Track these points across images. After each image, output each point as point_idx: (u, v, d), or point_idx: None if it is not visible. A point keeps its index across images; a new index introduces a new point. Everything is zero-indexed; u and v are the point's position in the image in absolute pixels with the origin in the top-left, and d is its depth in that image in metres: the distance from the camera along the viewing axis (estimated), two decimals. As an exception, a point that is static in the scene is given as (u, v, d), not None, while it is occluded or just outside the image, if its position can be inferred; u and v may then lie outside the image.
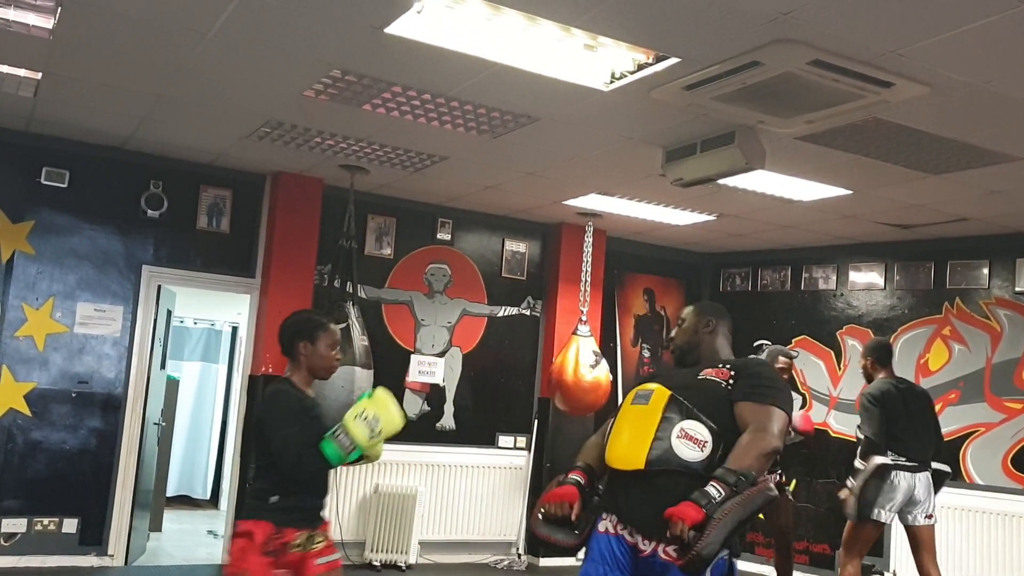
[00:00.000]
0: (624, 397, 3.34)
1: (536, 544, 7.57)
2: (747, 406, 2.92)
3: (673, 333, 3.35)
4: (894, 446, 5.29)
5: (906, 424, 5.35)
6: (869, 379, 5.66)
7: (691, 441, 2.84)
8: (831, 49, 3.62)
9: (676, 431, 2.85)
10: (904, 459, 5.27)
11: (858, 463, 5.37)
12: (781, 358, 6.00)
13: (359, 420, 3.26)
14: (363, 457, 3.39)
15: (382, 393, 3.37)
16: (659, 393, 2.95)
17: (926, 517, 5.30)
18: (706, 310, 3.33)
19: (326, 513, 3.49)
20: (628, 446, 2.93)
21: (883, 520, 5.27)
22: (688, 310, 3.36)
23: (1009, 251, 6.75)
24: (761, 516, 5.87)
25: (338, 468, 3.49)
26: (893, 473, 5.25)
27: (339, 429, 3.25)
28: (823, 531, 7.43)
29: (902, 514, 5.34)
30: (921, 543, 5.34)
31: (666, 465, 2.83)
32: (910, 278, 7.33)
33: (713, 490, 2.68)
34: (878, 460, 5.25)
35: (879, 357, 5.64)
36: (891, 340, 5.88)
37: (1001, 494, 6.52)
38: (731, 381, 3.00)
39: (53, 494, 6.11)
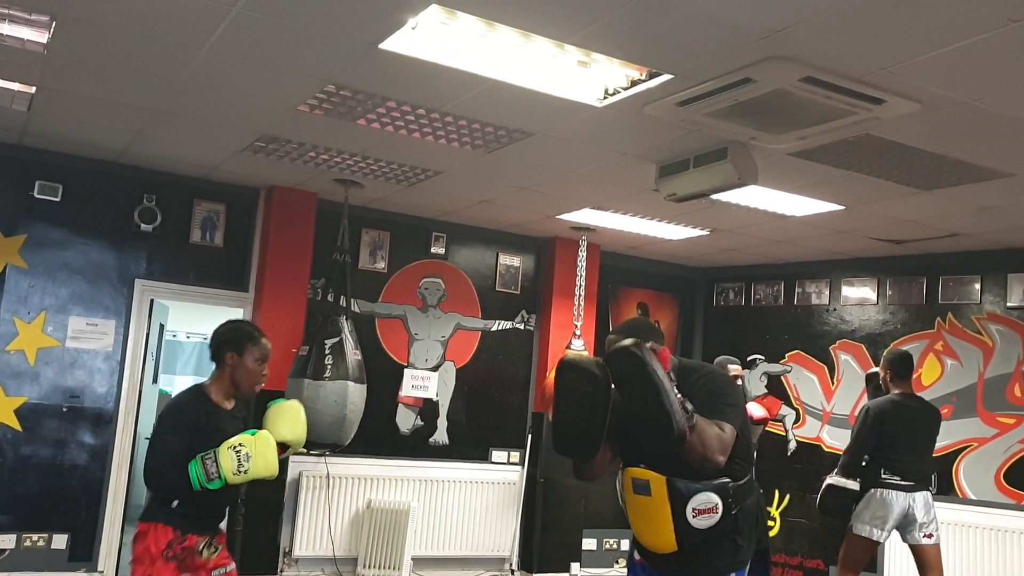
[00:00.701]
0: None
1: (530, 559, 7.55)
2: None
3: None
4: (889, 465, 5.26)
5: (907, 443, 5.29)
6: (887, 391, 5.52)
7: (705, 514, 2.97)
8: (823, 66, 3.64)
9: (690, 513, 2.96)
10: (899, 478, 5.24)
11: (838, 480, 5.41)
12: (731, 367, 6.02)
13: (231, 451, 3.24)
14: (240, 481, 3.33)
15: (266, 436, 3.35)
16: (656, 483, 2.99)
17: (925, 536, 5.22)
18: (637, 336, 3.08)
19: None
20: (655, 536, 3.05)
21: (875, 538, 5.25)
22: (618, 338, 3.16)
23: (1000, 266, 6.78)
24: None
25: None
26: (884, 492, 5.24)
27: (210, 454, 3.24)
28: (817, 546, 7.42)
29: (901, 533, 5.32)
30: (926, 563, 5.26)
31: (695, 539, 2.99)
32: (903, 293, 7.35)
33: (678, 394, 2.85)
34: (835, 479, 5.37)
35: (897, 370, 5.47)
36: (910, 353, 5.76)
37: (994, 509, 6.52)
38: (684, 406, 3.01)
39: (43, 510, 6.07)
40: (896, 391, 5.45)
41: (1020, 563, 6.31)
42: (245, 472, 3.23)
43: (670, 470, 2.96)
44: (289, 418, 3.50)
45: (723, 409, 3.01)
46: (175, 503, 3.29)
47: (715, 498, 2.96)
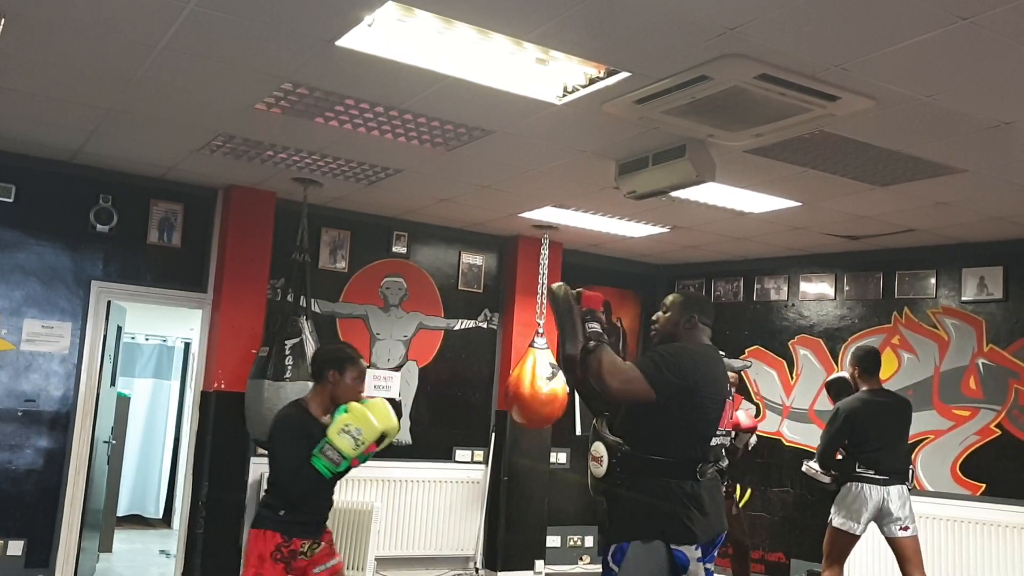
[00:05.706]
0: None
1: (494, 558, 7.56)
2: None
3: (656, 317, 3.58)
4: (863, 460, 5.35)
5: (879, 438, 5.37)
6: (856, 388, 5.62)
7: (595, 461, 3.31)
8: (777, 63, 3.68)
9: (590, 456, 3.36)
10: (872, 472, 5.31)
11: (811, 467, 5.60)
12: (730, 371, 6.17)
13: (342, 433, 3.54)
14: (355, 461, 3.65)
15: (358, 405, 3.67)
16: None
17: (901, 529, 5.28)
18: (690, 306, 3.47)
19: (329, 524, 3.88)
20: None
21: (851, 531, 5.32)
22: (674, 300, 3.53)
23: (955, 261, 6.90)
24: None
25: (337, 480, 3.77)
26: (859, 486, 5.31)
27: (325, 444, 3.55)
28: (778, 540, 7.50)
29: (879, 526, 5.39)
30: (904, 555, 5.31)
31: (595, 488, 3.37)
32: (860, 288, 7.45)
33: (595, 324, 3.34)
34: (807, 466, 5.61)
35: (865, 367, 5.56)
36: (878, 349, 5.87)
37: (950, 500, 6.63)
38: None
39: (-2, 515, 5.97)
40: (865, 387, 5.55)
41: (976, 553, 6.43)
42: (362, 443, 3.56)
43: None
44: (379, 411, 3.71)
45: (642, 359, 3.27)
46: (281, 512, 3.64)
47: (603, 449, 3.27)
